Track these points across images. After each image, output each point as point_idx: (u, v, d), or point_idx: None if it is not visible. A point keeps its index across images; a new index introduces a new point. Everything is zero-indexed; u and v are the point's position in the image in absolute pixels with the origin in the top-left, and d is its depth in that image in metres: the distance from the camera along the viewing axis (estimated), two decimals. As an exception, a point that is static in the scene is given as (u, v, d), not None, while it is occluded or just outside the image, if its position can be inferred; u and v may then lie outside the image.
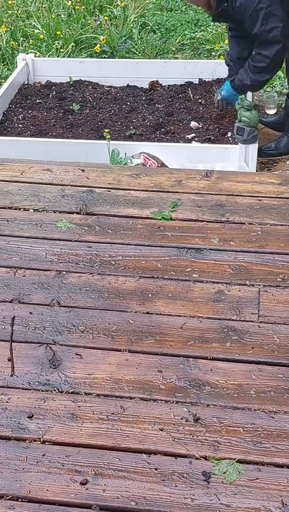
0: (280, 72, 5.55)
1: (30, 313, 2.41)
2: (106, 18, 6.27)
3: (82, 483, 1.82)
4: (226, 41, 5.81)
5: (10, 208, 2.99)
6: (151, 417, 2.00)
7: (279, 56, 3.96)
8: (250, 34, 3.98)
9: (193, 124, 4.45)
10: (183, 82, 5.11)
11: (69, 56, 5.72)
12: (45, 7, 6.41)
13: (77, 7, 6.39)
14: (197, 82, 5.10)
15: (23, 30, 6.15)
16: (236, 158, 4.03)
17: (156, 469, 1.86)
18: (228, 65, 4.51)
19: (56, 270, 2.61)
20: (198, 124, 4.44)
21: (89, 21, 6.19)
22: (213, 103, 4.60)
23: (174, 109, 4.75)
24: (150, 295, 2.48)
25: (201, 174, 3.23)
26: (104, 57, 5.83)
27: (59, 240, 2.78)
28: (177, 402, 2.05)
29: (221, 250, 2.70)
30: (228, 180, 3.18)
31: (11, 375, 2.16)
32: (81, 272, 2.60)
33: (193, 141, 4.33)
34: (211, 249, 2.71)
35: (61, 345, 2.27)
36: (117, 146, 3.92)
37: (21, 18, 6.32)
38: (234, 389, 2.09)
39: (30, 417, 2.00)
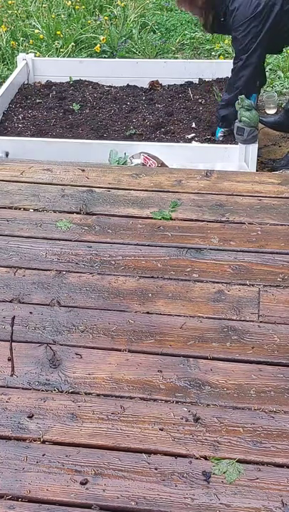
0: (280, 72, 5.56)
1: (30, 313, 2.41)
2: (106, 18, 6.27)
3: (82, 483, 1.82)
4: (226, 41, 5.83)
5: (10, 207, 2.99)
6: (151, 417, 2.00)
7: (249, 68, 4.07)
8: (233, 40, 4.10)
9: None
10: (183, 82, 5.11)
11: (69, 56, 5.72)
12: (45, 7, 6.41)
13: (77, 7, 6.39)
14: (197, 82, 5.10)
15: (23, 30, 6.15)
16: (236, 158, 4.03)
17: (156, 469, 1.86)
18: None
19: (56, 270, 2.61)
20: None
21: (89, 21, 6.19)
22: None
23: (174, 109, 4.75)
24: (150, 295, 2.48)
25: (201, 174, 3.23)
26: (105, 57, 5.83)
27: (59, 239, 2.78)
28: (177, 402, 2.05)
29: (221, 250, 2.70)
30: (228, 180, 3.18)
31: (11, 375, 2.16)
32: (81, 272, 2.60)
33: (193, 141, 4.32)
34: (211, 249, 2.71)
35: (61, 345, 2.27)
36: (117, 146, 3.92)
37: (21, 18, 6.32)
38: (234, 389, 2.09)
39: (30, 417, 2.00)
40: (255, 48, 3.96)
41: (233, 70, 4.14)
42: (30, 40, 5.98)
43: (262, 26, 3.91)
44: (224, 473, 1.84)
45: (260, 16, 3.90)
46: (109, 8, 6.52)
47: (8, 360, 2.21)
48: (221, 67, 5.01)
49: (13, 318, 2.38)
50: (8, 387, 2.12)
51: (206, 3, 4.03)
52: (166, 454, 1.90)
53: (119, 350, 2.24)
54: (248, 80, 4.09)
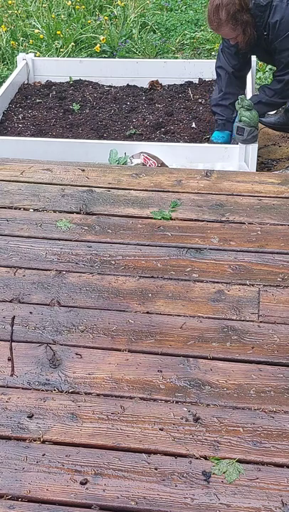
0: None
1: (30, 312, 2.41)
2: (106, 17, 6.27)
3: (82, 483, 1.82)
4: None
5: (10, 207, 2.99)
6: (151, 417, 2.00)
7: None
8: (276, 56, 4.01)
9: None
10: (183, 82, 5.11)
11: (69, 56, 5.73)
12: (45, 7, 6.41)
13: (77, 7, 6.39)
14: (197, 82, 5.10)
15: (23, 30, 6.15)
16: (236, 158, 4.03)
17: (156, 469, 1.86)
18: (217, 105, 4.28)
19: (56, 270, 2.61)
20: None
21: (89, 21, 6.20)
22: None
23: (174, 109, 4.75)
24: (150, 295, 2.48)
25: (201, 174, 3.23)
26: (104, 57, 5.83)
27: (59, 239, 2.79)
28: (177, 402, 2.05)
29: (221, 250, 2.71)
30: (228, 180, 3.18)
31: (11, 375, 2.16)
32: (81, 272, 2.60)
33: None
34: (211, 249, 2.71)
35: (61, 344, 2.27)
36: (117, 146, 3.92)
37: (21, 18, 6.33)
38: (234, 389, 2.09)
39: (30, 417, 2.00)
40: None
41: (281, 81, 4.06)
42: (30, 40, 5.98)
43: None
44: (224, 473, 1.84)
45: None
46: (109, 8, 6.53)
47: (8, 360, 2.21)
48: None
49: (13, 318, 2.38)
50: (8, 387, 2.12)
51: (250, 17, 3.87)
52: (166, 454, 1.90)
53: (119, 350, 2.24)
54: None
